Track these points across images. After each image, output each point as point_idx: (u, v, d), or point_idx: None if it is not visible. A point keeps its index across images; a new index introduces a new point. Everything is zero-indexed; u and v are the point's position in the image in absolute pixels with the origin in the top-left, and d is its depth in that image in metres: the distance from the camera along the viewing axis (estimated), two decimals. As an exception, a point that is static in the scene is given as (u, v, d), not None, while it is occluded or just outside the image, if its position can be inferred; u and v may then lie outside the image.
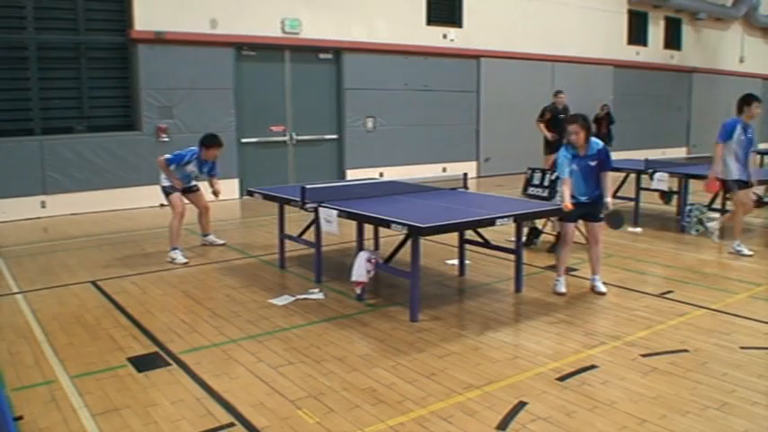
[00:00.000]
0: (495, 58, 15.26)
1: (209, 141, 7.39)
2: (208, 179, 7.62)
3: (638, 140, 17.94)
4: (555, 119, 11.52)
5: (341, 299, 5.68)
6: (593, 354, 4.40)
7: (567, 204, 5.49)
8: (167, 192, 7.36)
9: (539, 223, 7.69)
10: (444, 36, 14.43)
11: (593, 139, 5.64)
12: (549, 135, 11.64)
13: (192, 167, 7.39)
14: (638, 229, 8.54)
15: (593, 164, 5.59)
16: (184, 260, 7.06)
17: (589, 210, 5.70)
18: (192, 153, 7.33)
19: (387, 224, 5.09)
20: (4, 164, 9.75)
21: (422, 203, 6.00)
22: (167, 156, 7.32)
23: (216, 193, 7.51)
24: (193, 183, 7.71)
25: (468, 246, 6.46)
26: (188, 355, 4.44)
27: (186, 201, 7.63)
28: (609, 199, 5.70)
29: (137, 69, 10.77)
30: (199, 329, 4.96)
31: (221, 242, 7.96)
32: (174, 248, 7.16)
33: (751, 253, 7.15)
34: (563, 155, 5.66)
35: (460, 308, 5.60)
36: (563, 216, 5.71)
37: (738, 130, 7.04)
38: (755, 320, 5.08)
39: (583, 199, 5.68)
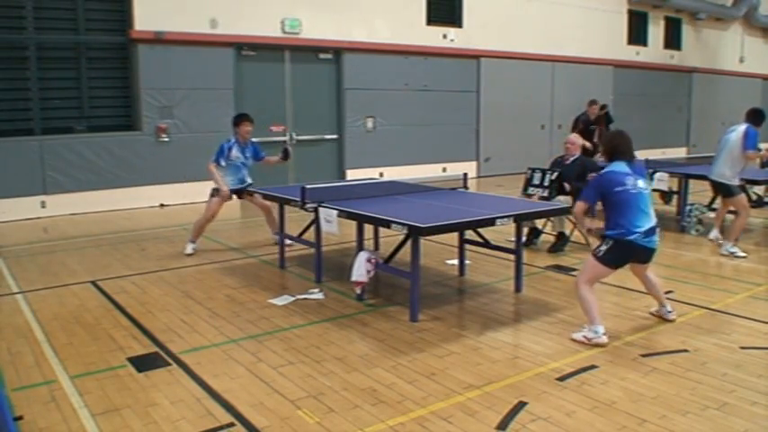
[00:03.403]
0: (495, 58, 15.26)
1: (238, 118, 7.59)
2: (266, 161, 7.82)
3: (637, 140, 17.65)
4: (587, 130, 11.42)
5: (341, 299, 5.68)
6: (593, 354, 4.40)
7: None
8: (212, 194, 7.48)
9: (539, 223, 7.69)
10: (444, 36, 14.42)
11: (615, 163, 4.79)
12: (586, 144, 11.56)
13: (236, 154, 7.46)
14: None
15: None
16: (191, 252, 7.34)
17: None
18: (229, 140, 7.50)
19: (387, 224, 5.09)
20: (4, 164, 9.74)
21: (422, 203, 6.00)
22: (212, 158, 7.46)
23: (285, 156, 7.72)
24: (248, 180, 7.71)
25: (468, 246, 6.46)
26: (188, 355, 4.44)
27: (251, 203, 7.79)
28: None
29: (137, 69, 10.77)
30: (199, 329, 4.96)
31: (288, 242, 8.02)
32: (192, 241, 7.43)
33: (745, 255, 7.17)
34: None
35: (460, 308, 5.60)
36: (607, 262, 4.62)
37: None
38: (755, 320, 5.08)
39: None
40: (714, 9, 20.85)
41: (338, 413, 3.58)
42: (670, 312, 5.03)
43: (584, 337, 4.58)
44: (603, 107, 16.79)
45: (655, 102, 19.51)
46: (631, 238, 4.51)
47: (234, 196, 7.67)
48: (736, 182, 7.16)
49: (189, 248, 7.38)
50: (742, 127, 7.11)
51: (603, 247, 4.59)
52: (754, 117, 7.15)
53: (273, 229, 7.93)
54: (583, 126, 11.61)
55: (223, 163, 7.40)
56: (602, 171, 4.81)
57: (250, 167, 7.75)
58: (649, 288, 5.02)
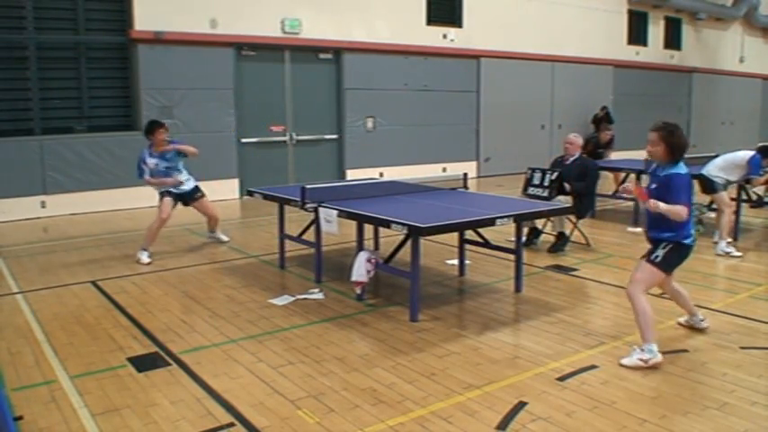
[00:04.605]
0: (495, 58, 15.26)
1: (149, 127, 7.39)
2: (182, 160, 7.58)
3: (638, 140, 17.80)
4: (595, 152, 11.41)
5: (341, 299, 5.68)
6: (593, 354, 4.40)
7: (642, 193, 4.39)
8: (161, 194, 7.46)
9: (539, 223, 7.69)
10: (444, 36, 14.42)
11: (681, 163, 4.29)
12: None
13: (154, 161, 7.31)
14: (638, 229, 8.53)
15: (653, 186, 4.37)
16: (147, 261, 7.06)
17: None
18: (142, 153, 7.36)
19: (387, 224, 5.09)
20: (4, 164, 9.74)
21: (422, 203, 6.00)
22: (139, 176, 7.39)
23: (189, 152, 7.50)
24: (191, 185, 7.61)
25: (468, 246, 6.46)
26: (188, 355, 4.44)
27: (193, 209, 7.79)
28: (662, 205, 4.22)
29: (137, 69, 10.77)
30: (199, 329, 4.96)
31: (227, 239, 8.04)
32: (144, 249, 7.17)
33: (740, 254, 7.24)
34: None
35: (460, 308, 5.60)
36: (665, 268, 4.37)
37: None
38: (755, 320, 5.08)
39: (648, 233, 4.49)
40: (714, 9, 20.85)
41: (338, 413, 3.58)
42: (702, 321, 4.82)
43: (640, 359, 4.18)
44: (603, 108, 16.85)
45: (655, 102, 19.50)
46: (689, 240, 4.33)
47: (179, 203, 7.58)
48: (720, 180, 7.48)
49: (144, 257, 7.08)
50: (750, 153, 7.50)
51: (661, 252, 4.29)
52: (765, 150, 7.60)
53: (211, 228, 8.04)
54: (592, 148, 11.59)
55: (147, 176, 7.30)
56: (683, 173, 4.26)
57: (183, 168, 7.58)
58: (680, 298, 4.77)
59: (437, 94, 14.44)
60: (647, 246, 4.45)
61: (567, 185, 7.37)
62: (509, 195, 7.58)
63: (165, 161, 7.39)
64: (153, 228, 7.25)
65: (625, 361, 4.24)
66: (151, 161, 7.31)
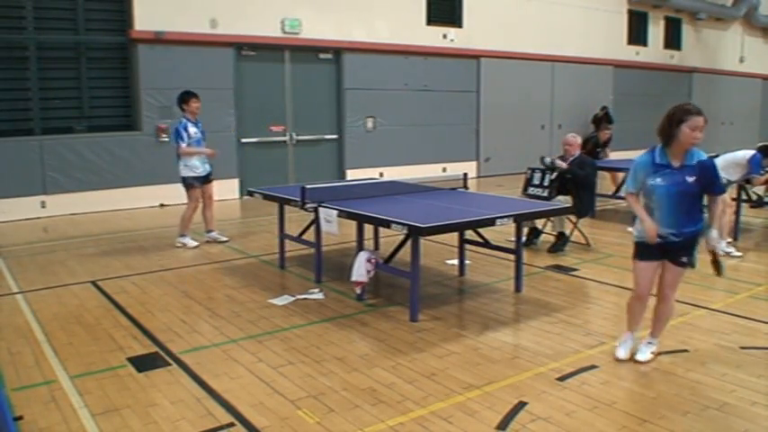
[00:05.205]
0: (495, 58, 15.26)
1: (185, 95, 7.80)
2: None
3: (638, 140, 17.82)
4: (594, 152, 11.37)
5: (341, 299, 5.68)
6: (593, 354, 4.40)
7: (652, 231, 4.07)
8: (188, 184, 7.75)
9: (539, 223, 7.69)
10: (444, 36, 14.42)
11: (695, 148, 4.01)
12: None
13: (194, 129, 7.70)
14: (638, 229, 8.54)
15: (690, 180, 3.96)
16: (195, 243, 7.63)
17: (676, 249, 4.13)
18: (180, 121, 7.71)
19: (387, 224, 5.09)
20: (4, 164, 9.74)
21: (422, 203, 6.00)
22: (175, 141, 7.68)
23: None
24: (208, 166, 7.91)
25: (468, 246, 6.46)
26: (188, 355, 4.44)
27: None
28: (716, 233, 4.16)
29: (137, 69, 10.77)
30: (199, 329, 4.96)
31: (225, 239, 8.07)
32: (183, 235, 7.68)
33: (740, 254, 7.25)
34: (639, 161, 4.16)
35: (460, 308, 5.60)
36: (638, 253, 4.29)
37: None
38: (755, 320, 5.08)
39: (667, 233, 4.09)
40: (714, 9, 20.85)
41: (338, 413, 3.58)
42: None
43: (652, 353, 4.32)
44: (603, 108, 16.84)
45: (655, 102, 19.45)
46: None
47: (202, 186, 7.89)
48: (722, 180, 7.39)
49: (190, 242, 7.63)
50: (751, 152, 7.54)
51: (696, 253, 4.17)
52: (765, 150, 7.62)
53: (208, 226, 8.10)
54: (592, 148, 11.56)
55: (184, 144, 7.57)
56: (709, 161, 4.09)
57: None
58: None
59: (437, 94, 14.44)
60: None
61: (560, 163, 7.33)
62: (509, 195, 7.58)
63: (201, 131, 7.81)
64: (186, 216, 7.72)
65: (640, 357, 4.26)
66: (192, 129, 7.68)
